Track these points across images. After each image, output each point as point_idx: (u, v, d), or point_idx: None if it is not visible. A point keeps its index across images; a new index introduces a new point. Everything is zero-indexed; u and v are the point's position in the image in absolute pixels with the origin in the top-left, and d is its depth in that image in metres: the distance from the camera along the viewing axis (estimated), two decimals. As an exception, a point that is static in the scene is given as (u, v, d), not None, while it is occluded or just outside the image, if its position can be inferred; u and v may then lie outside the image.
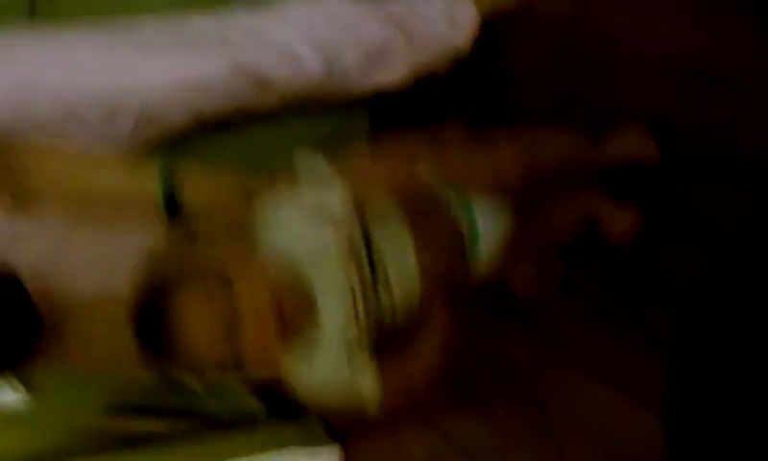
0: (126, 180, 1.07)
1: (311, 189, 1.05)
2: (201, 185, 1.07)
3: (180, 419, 1.89)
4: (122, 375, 1.24)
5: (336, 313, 1.02)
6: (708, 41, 1.21)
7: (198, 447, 1.91)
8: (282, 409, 2.00)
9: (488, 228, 1.19)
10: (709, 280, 1.25)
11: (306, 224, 1.03)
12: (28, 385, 1.49)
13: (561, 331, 1.48)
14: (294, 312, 0.99)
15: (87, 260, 1.18)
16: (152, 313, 0.97)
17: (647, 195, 1.33)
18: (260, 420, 1.97)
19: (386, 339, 1.07)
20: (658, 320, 1.32)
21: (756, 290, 1.18)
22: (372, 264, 1.04)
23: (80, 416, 1.66)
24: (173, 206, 1.07)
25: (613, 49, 1.32)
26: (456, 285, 1.18)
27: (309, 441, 2.00)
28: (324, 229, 1.02)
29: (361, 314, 1.03)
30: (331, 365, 1.04)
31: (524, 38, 1.48)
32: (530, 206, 1.29)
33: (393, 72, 1.39)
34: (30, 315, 1.01)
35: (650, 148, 1.29)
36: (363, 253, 1.03)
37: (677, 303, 1.29)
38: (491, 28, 1.45)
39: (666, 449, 1.10)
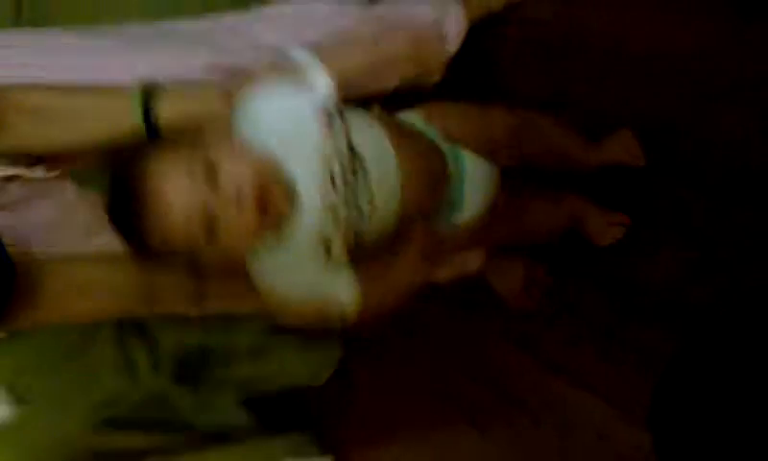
0: (109, 122, 1.05)
1: (295, 76, 1.02)
2: (178, 102, 1.05)
3: (169, 433, 1.88)
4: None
5: (315, 205, 0.98)
6: (693, 43, 1.21)
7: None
8: (273, 422, 1.99)
9: (475, 177, 1.18)
10: (698, 292, 1.25)
11: (288, 107, 1.00)
12: (17, 399, 1.48)
13: (551, 344, 1.47)
14: (274, 200, 0.94)
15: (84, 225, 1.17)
16: (128, 186, 0.93)
17: (633, 204, 1.33)
18: (251, 433, 1.97)
19: (361, 254, 1.04)
20: (646, 332, 1.32)
21: (745, 302, 1.18)
22: (353, 166, 1.01)
23: (68, 431, 1.65)
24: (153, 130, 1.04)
25: (599, 52, 1.33)
26: (434, 215, 1.16)
27: (301, 453, 1.99)
28: (307, 114, 0.99)
29: (341, 209, 1.00)
30: (306, 261, 1.00)
31: (511, 43, 1.48)
32: (516, 189, 1.29)
33: (383, 78, 1.39)
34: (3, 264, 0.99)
35: (636, 152, 1.29)
36: (345, 148, 1.00)
37: (665, 315, 1.29)
38: (478, 32, 1.46)
39: (655, 459, 1.09)
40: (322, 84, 1.01)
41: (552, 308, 1.45)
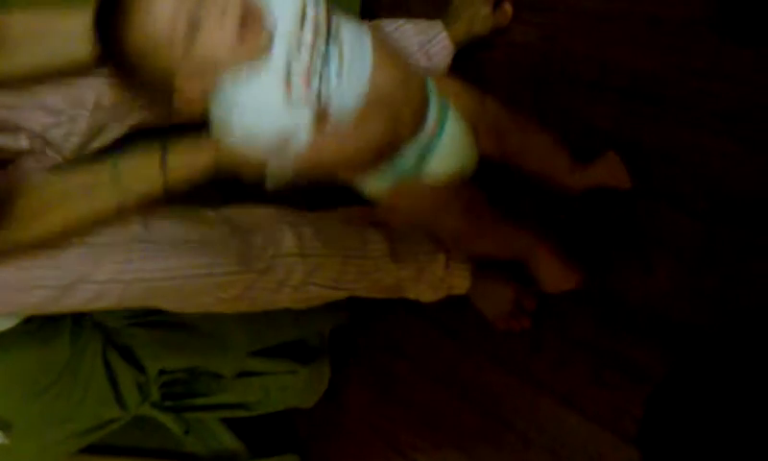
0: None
1: None
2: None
3: (157, 459, 1.87)
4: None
5: (285, 34, 0.99)
6: (682, 68, 1.23)
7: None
8: (262, 445, 1.98)
9: (453, 135, 1.18)
10: (687, 313, 1.25)
11: None
12: (3, 426, 1.47)
13: (539, 366, 1.47)
14: (255, 27, 0.97)
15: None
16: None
17: (622, 224, 1.33)
18: (239, 457, 1.95)
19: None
20: (635, 352, 1.31)
21: (735, 322, 1.18)
22: (328, 28, 1.03)
23: (53, 457, 1.63)
24: None
25: (584, 76, 1.33)
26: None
27: (289, 478, 1.98)
28: None
29: (309, 48, 1.00)
30: (268, 91, 1.00)
31: (496, 66, 1.49)
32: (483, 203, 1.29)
33: None
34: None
35: (622, 176, 1.29)
36: (324, 11, 1.03)
37: (654, 335, 1.29)
38: (463, 55, 1.47)
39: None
40: None
41: (540, 330, 1.45)
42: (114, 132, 1.23)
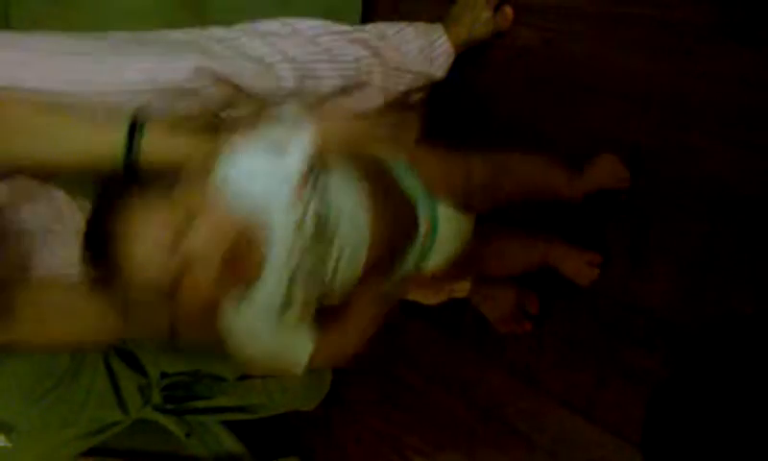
0: (90, 143, 1.05)
1: (277, 126, 1.02)
2: (162, 143, 1.05)
3: (159, 461, 1.87)
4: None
5: (280, 267, 0.97)
6: (682, 70, 1.23)
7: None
8: (263, 448, 1.98)
9: (447, 231, 1.18)
10: (690, 316, 1.25)
11: (265, 169, 0.98)
12: (4, 429, 1.47)
13: (542, 369, 1.47)
14: (243, 265, 0.94)
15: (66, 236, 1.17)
16: (103, 229, 0.93)
17: (625, 228, 1.33)
18: (242, 460, 1.96)
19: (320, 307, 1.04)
20: (638, 355, 1.32)
21: (737, 325, 1.18)
22: (322, 233, 1.02)
23: (56, 459, 1.63)
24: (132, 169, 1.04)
25: (584, 79, 1.33)
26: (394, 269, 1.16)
27: (291, 481, 1.99)
28: (283, 178, 0.98)
29: (304, 274, 0.99)
30: (265, 317, 1.00)
31: (495, 68, 1.49)
32: (489, 232, 1.29)
33: (367, 100, 1.40)
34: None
35: (621, 175, 1.29)
36: (316, 215, 1.00)
37: (656, 338, 1.29)
38: (465, 60, 1.47)
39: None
40: (302, 144, 0.99)
41: (542, 332, 1.45)
42: None
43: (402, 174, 1.15)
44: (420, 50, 1.41)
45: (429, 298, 1.51)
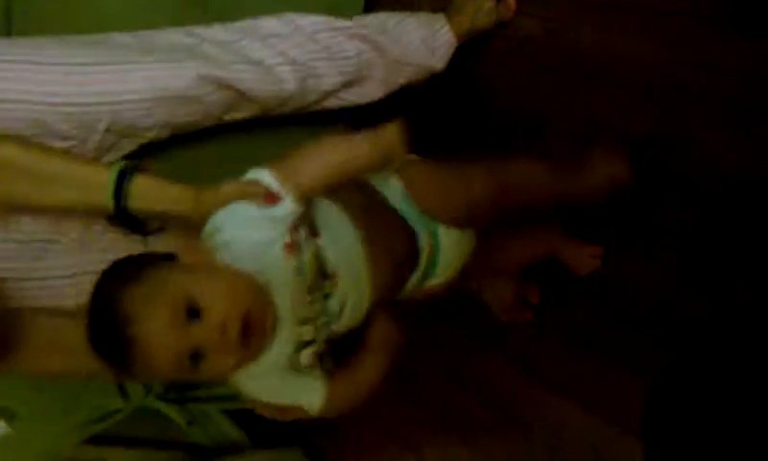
0: (79, 191, 1.06)
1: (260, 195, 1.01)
2: (150, 192, 1.05)
3: (160, 449, 1.88)
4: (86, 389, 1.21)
5: (286, 325, 0.98)
6: (686, 61, 1.22)
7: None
8: (263, 436, 1.99)
9: (449, 249, 1.19)
10: (689, 304, 1.26)
11: (254, 237, 0.98)
12: (7, 416, 1.47)
13: (542, 358, 1.47)
14: (259, 325, 0.93)
15: (59, 274, 1.17)
16: (109, 330, 0.90)
17: (624, 217, 1.33)
18: (243, 449, 1.96)
19: (330, 347, 1.06)
20: (637, 344, 1.32)
21: (735, 313, 1.19)
22: (323, 274, 1.02)
23: (57, 446, 1.64)
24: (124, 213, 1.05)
25: (586, 69, 1.33)
26: (400, 299, 1.18)
27: (291, 469, 1.99)
28: (272, 241, 0.98)
29: (310, 326, 1.01)
30: (276, 372, 1.01)
31: (498, 58, 1.49)
32: (492, 230, 1.30)
33: (368, 93, 1.40)
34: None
35: (624, 170, 1.28)
36: (311, 268, 1.00)
37: (656, 326, 1.29)
38: (467, 49, 1.47)
39: (647, 471, 1.09)
40: (286, 204, 0.99)
41: (543, 322, 1.46)
42: (125, 149, 1.23)
43: (398, 202, 1.15)
44: (423, 40, 1.41)
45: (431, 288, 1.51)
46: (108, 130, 1.16)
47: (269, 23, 1.34)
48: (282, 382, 1.03)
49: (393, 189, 1.15)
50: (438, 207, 1.17)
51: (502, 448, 1.57)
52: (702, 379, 1.07)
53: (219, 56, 1.24)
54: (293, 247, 0.99)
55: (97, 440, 1.68)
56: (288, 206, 0.99)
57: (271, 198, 0.99)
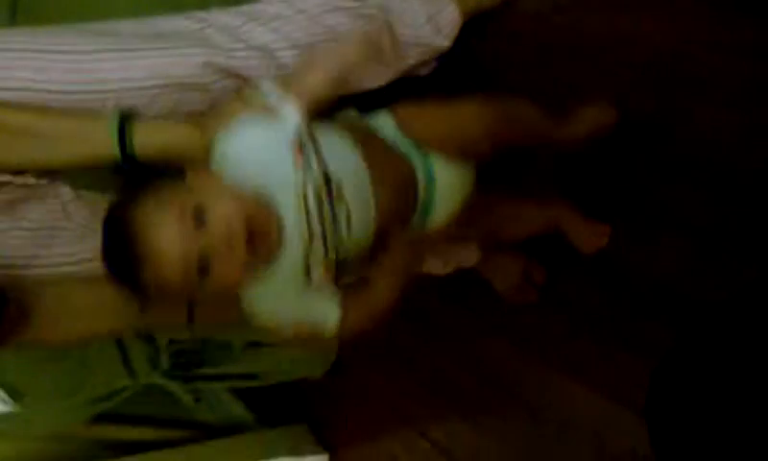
0: (82, 145, 1.07)
1: (264, 108, 1.03)
2: (152, 133, 1.06)
3: (167, 428, 1.89)
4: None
5: (295, 234, 1.00)
6: (687, 41, 1.21)
7: (187, 454, 1.91)
8: (271, 415, 2.00)
9: (445, 182, 1.18)
10: (694, 285, 1.25)
11: (261, 144, 1.01)
12: (14, 395, 1.48)
13: (548, 339, 1.47)
14: (264, 233, 0.96)
15: (65, 261, 1.18)
16: (122, 239, 0.95)
17: (629, 197, 1.33)
18: (249, 426, 1.97)
19: (343, 269, 1.07)
20: (643, 325, 1.31)
21: (741, 294, 1.18)
22: (328, 192, 1.03)
23: (64, 424, 1.65)
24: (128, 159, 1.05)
25: (595, 47, 1.32)
26: (406, 229, 1.17)
27: (298, 448, 2.00)
28: (279, 147, 1.01)
29: (319, 236, 1.02)
30: (289, 287, 1.03)
31: (504, 37, 1.47)
32: (499, 193, 1.30)
33: (375, 77, 1.39)
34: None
35: (609, 114, 1.26)
36: (319, 175, 1.02)
37: (662, 308, 1.29)
38: (472, 27, 1.45)
39: (652, 452, 1.09)
40: (291, 114, 1.02)
41: (549, 303, 1.45)
42: None
43: (391, 134, 1.16)
44: (429, 18, 1.40)
45: (438, 268, 1.51)
46: None
47: (272, 6, 1.33)
48: (296, 302, 1.04)
49: (386, 125, 1.17)
50: (428, 131, 1.18)
51: (507, 428, 1.57)
52: (708, 361, 1.07)
53: (224, 43, 1.23)
54: (300, 158, 1.02)
55: (104, 418, 1.69)
56: (292, 115, 1.02)
57: (273, 109, 1.02)
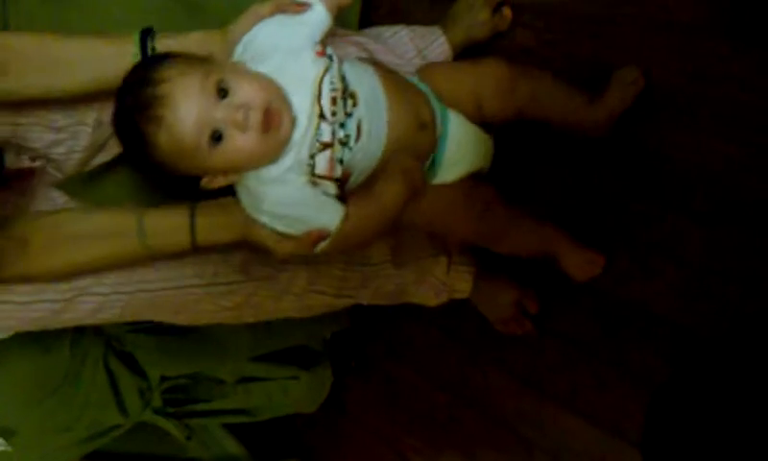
0: (104, 64, 1.07)
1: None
2: (176, 43, 1.08)
3: (160, 464, 1.87)
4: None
5: (304, 126, 1.03)
6: (684, 69, 1.22)
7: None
8: (264, 450, 1.98)
9: (458, 139, 1.21)
10: (690, 316, 1.25)
11: (284, 33, 1.06)
12: (4, 433, 1.47)
13: (542, 369, 1.46)
14: (278, 121, 0.99)
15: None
16: (141, 91, 0.97)
17: (624, 228, 1.33)
18: (242, 463, 1.96)
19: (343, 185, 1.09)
20: (638, 356, 1.31)
21: (737, 326, 1.18)
22: (343, 94, 1.06)
23: (57, 462, 1.63)
24: None
25: (585, 81, 1.32)
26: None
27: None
28: (302, 41, 1.06)
29: (328, 131, 1.04)
30: (293, 178, 1.04)
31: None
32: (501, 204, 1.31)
33: None
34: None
35: (638, 80, 1.24)
36: (337, 76, 1.05)
37: (657, 339, 1.29)
38: (462, 56, 1.46)
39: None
40: (317, 9, 1.07)
41: (542, 333, 1.45)
42: (117, 147, 1.23)
43: (413, 79, 1.21)
44: (418, 52, 1.41)
45: (430, 299, 1.51)
46: (98, 123, 1.16)
47: None
48: (301, 194, 1.05)
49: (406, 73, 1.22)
50: (446, 81, 1.22)
51: (501, 459, 1.56)
52: (703, 394, 1.07)
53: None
54: (322, 53, 1.06)
55: (95, 456, 1.68)
56: (319, 11, 1.07)
57: (300, 6, 1.07)
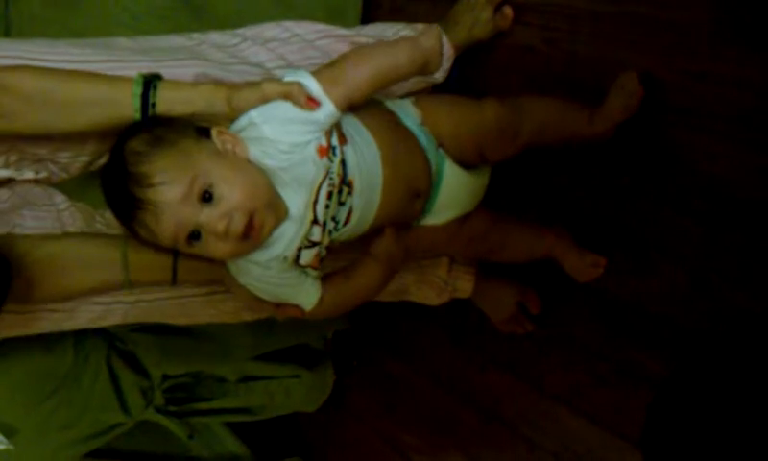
0: (105, 109, 1.06)
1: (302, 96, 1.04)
2: (177, 95, 1.05)
3: (161, 463, 1.87)
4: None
5: (295, 224, 1.03)
6: (688, 70, 1.22)
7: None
8: (266, 449, 1.98)
9: (451, 187, 1.20)
10: (690, 316, 1.25)
11: (289, 130, 1.02)
12: (7, 431, 1.47)
13: (544, 369, 1.47)
14: (260, 227, 0.99)
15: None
16: (125, 184, 0.97)
17: (625, 228, 1.33)
18: (244, 461, 1.96)
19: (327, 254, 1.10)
20: (639, 355, 1.31)
21: (737, 325, 1.18)
22: (339, 195, 1.05)
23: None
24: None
25: (585, 80, 1.32)
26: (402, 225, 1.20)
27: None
28: (306, 140, 1.02)
29: (318, 229, 1.05)
30: (275, 265, 1.05)
31: (498, 70, 1.48)
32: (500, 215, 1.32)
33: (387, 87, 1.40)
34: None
35: (635, 89, 1.22)
36: (336, 178, 1.04)
37: (658, 338, 1.29)
38: (465, 60, 1.46)
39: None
40: (327, 108, 1.02)
41: (544, 333, 1.45)
42: None
43: (413, 124, 1.18)
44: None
45: (432, 299, 1.51)
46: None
47: (268, 28, 1.34)
48: (281, 279, 1.06)
49: (409, 114, 1.19)
50: (448, 123, 1.20)
51: (504, 459, 1.56)
52: (703, 393, 1.07)
53: (220, 57, 1.24)
54: (325, 150, 1.03)
55: (98, 455, 1.68)
56: (329, 111, 1.03)
57: (312, 102, 1.02)
